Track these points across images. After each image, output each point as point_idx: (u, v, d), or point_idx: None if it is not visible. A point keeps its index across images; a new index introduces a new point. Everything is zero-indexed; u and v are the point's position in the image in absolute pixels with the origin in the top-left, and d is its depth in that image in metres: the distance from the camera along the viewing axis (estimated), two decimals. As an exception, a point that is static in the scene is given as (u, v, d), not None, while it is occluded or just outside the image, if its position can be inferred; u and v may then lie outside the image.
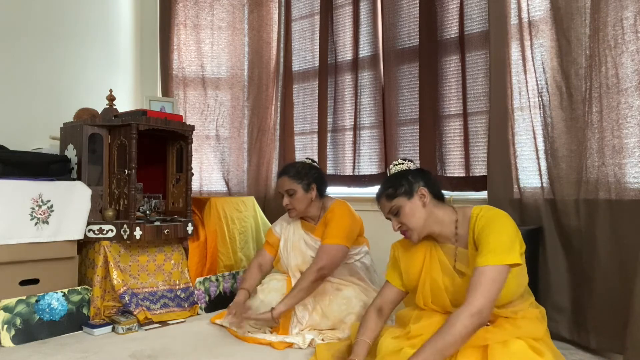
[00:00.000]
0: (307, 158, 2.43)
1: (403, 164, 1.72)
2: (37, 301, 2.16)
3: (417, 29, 2.72)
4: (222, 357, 1.94)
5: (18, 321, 2.09)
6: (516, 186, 2.24)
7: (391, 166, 1.74)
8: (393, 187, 1.63)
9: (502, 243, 1.44)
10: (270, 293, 2.29)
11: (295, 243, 2.33)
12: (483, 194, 2.43)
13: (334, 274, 2.23)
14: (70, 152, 2.54)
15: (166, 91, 3.45)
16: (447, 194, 2.60)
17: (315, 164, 2.39)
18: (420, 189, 1.62)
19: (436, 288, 1.61)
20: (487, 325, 1.52)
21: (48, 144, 2.85)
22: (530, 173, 2.23)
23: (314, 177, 2.29)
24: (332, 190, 2.69)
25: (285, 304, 2.08)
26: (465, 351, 1.42)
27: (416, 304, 1.70)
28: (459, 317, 1.37)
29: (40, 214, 2.24)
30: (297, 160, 2.37)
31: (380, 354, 1.59)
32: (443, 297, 1.59)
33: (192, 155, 2.74)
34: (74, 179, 2.46)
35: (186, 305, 2.58)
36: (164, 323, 2.38)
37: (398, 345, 1.53)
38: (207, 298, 2.67)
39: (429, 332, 1.48)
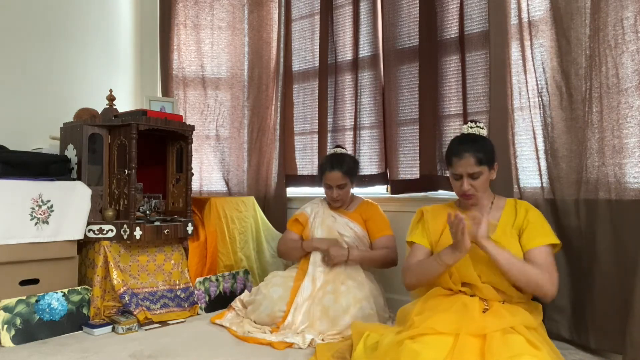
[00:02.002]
0: (337, 146, 2.65)
1: (484, 129, 1.87)
2: (37, 301, 2.16)
3: (417, 29, 2.72)
4: (222, 357, 1.95)
5: (18, 321, 2.09)
6: (516, 186, 2.24)
7: (473, 125, 1.86)
8: (485, 154, 1.77)
9: (547, 227, 1.75)
10: (273, 287, 2.31)
11: (325, 219, 2.51)
12: (483, 194, 2.43)
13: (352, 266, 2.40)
14: (70, 152, 2.54)
15: (166, 91, 3.45)
16: (447, 194, 2.62)
17: (354, 157, 2.75)
18: (496, 164, 1.84)
19: None
20: (484, 311, 1.61)
21: (48, 144, 2.85)
22: (530, 173, 2.23)
23: (356, 172, 2.58)
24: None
25: (359, 253, 2.37)
26: (463, 340, 1.44)
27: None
28: (543, 273, 1.64)
29: (40, 214, 2.24)
30: (341, 153, 2.62)
31: (381, 349, 1.60)
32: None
33: (192, 155, 2.75)
34: (74, 179, 2.46)
35: (186, 305, 2.58)
36: (164, 323, 2.38)
37: (399, 338, 1.54)
38: (207, 298, 2.67)
39: (432, 323, 1.52)
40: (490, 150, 1.82)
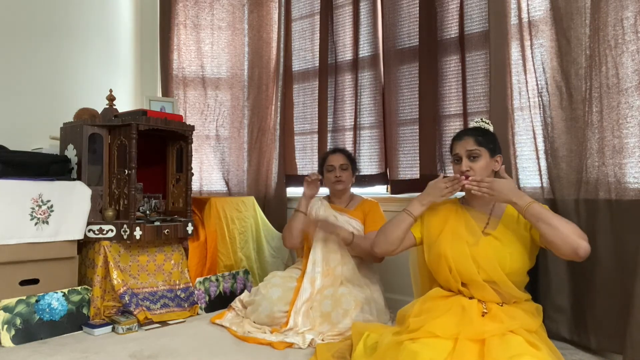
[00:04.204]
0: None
1: (490, 125, 1.90)
2: (37, 301, 2.16)
3: (417, 29, 2.72)
4: (222, 357, 1.95)
5: (18, 321, 2.09)
6: (516, 186, 2.24)
7: (479, 120, 1.89)
8: (485, 137, 1.80)
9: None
10: (272, 288, 2.31)
11: (327, 218, 2.46)
12: (483, 194, 2.43)
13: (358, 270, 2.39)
14: (70, 152, 2.54)
15: (166, 91, 3.45)
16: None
17: None
18: (499, 156, 1.82)
19: (457, 239, 1.74)
20: (483, 314, 1.60)
21: (48, 144, 2.85)
22: (530, 173, 2.23)
23: (355, 163, 2.65)
24: (332, 190, 2.68)
25: (345, 231, 2.35)
26: (463, 344, 1.44)
27: (435, 266, 1.81)
28: (576, 230, 1.59)
29: (40, 214, 2.24)
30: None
31: (380, 349, 1.60)
32: (464, 249, 1.71)
33: (192, 155, 2.75)
34: (74, 179, 2.46)
35: (186, 305, 2.58)
36: (164, 323, 2.38)
37: (398, 339, 1.54)
38: (207, 298, 2.67)
39: (430, 325, 1.52)
40: (491, 139, 1.82)
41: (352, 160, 2.60)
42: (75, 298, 2.29)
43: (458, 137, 1.85)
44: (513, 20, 2.25)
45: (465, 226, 1.77)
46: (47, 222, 2.26)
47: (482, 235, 1.73)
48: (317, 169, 3.09)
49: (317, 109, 3.20)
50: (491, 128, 1.89)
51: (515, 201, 1.62)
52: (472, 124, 1.95)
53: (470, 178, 1.71)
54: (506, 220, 1.75)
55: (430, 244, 1.83)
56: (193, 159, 2.83)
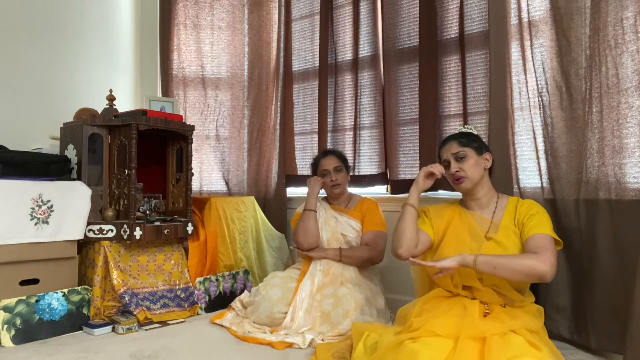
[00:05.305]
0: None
1: (472, 129, 1.95)
2: (37, 301, 2.16)
3: (417, 29, 2.72)
4: (222, 357, 1.95)
5: (18, 321, 2.09)
6: (516, 186, 2.24)
7: (462, 127, 1.95)
8: (467, 138, 1.85)
9: (549, 223, 1.71)
10: (272, 289, 2.31)
11: (328, 220, 2.50)
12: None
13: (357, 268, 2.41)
14: (70, 152, 2.54)
15: (166, 91, 3.45)
16: (447, 194, 2.62)
17: None
18: (488, 153, 1.86)
19: (461, 245, 1.76)
20: (485, 315, 1.61)
21: (48, 144, 2.85)
22: (530, 173, 2.23)
23: (347, 163, 2.62)
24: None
25: (345, 253, 2.38)
26: (463, 343, 1.43)
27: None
28: (531, 257, 1.59)
29: (40, 214, 2.24)
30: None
31: (381, 349, 1.60)
32: (466, 253, 1.70)
33: (192, 155, 2.75)
34: (74, 179, 2.46)
35: (186, 305, 2.58)
36: (164, 323, 2.38)
37: (399, 339, 1.54)
38: (207, 298, 2.67)
39: (430, 325, 1.52)
40: (474, 138, 1.86)
41: (344, 160, 2.58)
42: (75, 298, 2.29)
43: (442, 144, 1.89)
44: (513, 20, 2.25)
45: (468, 231, 1.78)
46: (47, 222, 2.26)
47: (485, 240, 1.73)
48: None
49: (317, 109, 3.20)
50: (474, 132, 1.92)
51: (462, 263, 1.62)
52: (456, 130, 1.98)
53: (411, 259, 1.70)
54: (506, 224, 1.75)
55: (436, 247, 1.84)
56: (193, 159, 2.83)
